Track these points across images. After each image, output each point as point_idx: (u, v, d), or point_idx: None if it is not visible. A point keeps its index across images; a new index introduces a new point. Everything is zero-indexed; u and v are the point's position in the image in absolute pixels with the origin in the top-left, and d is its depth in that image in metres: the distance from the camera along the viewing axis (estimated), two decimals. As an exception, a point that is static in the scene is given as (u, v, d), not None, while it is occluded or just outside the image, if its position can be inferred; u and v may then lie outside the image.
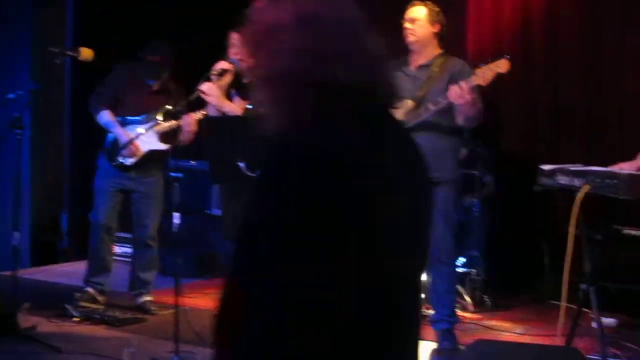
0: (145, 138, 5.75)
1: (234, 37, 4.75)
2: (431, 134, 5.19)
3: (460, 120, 5.17)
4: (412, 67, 5.39)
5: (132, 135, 5.78)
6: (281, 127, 1.76)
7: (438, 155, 5.21)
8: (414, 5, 5.36)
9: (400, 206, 1.80)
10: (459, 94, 4.90)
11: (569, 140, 7.13)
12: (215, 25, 7.90)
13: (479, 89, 5.08)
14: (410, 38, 5.30)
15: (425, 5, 5.34)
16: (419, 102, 5.20)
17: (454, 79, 5.18)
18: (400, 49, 6.35)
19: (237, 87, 4.84)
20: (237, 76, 4.79)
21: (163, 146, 5.83)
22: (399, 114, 5.19)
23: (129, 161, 5.89)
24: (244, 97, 4.81)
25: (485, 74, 4.89)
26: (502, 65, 4.86)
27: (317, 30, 1.76)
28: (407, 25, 5.29)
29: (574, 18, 7.07)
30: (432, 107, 5.07)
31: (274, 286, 1.72)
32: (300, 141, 1.72)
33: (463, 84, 4.89)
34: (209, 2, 8.36)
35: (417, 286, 1.96)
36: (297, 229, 1.70)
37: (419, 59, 5.38)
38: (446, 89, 5.12)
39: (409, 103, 5.21)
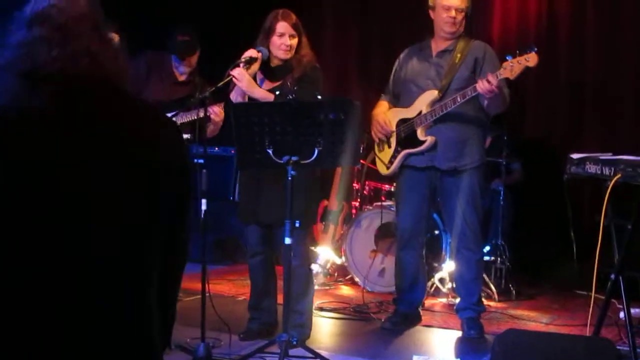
0: None
1: (285, 26, 4.77)
2: (457, 123, 5.18)
3: (487, 109, 5.16)
4: (433, 52, 5.33)
5: None
6: None
7: (464, 144, 5.20)
8: None
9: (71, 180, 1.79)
10: (487, 88, 4.85)
11: (594, 129, 7.10)
12: (233, 17, 8.01)
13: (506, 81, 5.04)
14: (454, 28, 5.22)
15: None
16: (445, 91, 5.15)
17: (479, 65, 5.13)
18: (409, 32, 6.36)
19: (263, 70, 4.83)
20: (266, 63, 4.78)
21: (184, 135, 5.80)
22: (426, 103, 5.16)
23: None
24: (272, 80, 4.81)
25: (513, 67, 4.82)
26: (531, 59, 4.79)
27: None
28: (453, 14, 5.18)
29: (599, 5, 7.02)
30: (459, 99, 5.02)
31: None
32: None
33: (491, 78, 4.84)
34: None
35: (128, 270, 1.86)
36: None
37: (440, 45, 5.31)
38: (471, 75, 5.08)
39: (434, 93, 5.17)
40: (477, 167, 5.26)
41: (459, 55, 5.21)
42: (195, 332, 4.53)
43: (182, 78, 6.00)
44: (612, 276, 4.43)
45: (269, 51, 4.76)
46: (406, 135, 5.28)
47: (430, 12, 5.31)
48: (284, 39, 4.75)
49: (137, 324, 1.88)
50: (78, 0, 1.97)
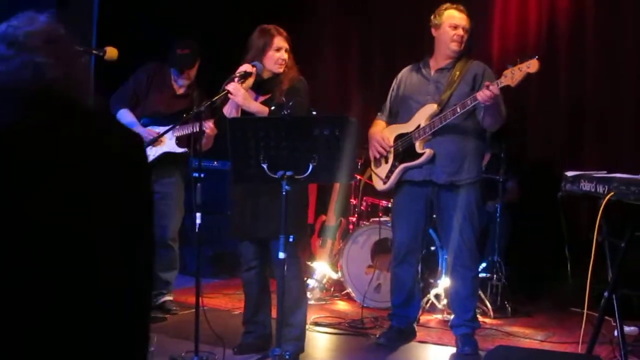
0: (163, 139, 5.77)
1: (282, 41, 4.84)
2: (456, 137, 5.19)
3: (485, 122, 5.15)
4: (432, 70, 5.35)
5: (154, 131, 5.80)
6: None
7: (462, 158, 5.21)
8: (461, 11, 5.29)
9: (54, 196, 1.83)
10: (488, 95, 4.87)
11: (592, 146, 7.11)
12: (233, 29, 8.04)
13: (504, 92, 5.06)
14: (460, 47, 5.25)
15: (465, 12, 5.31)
16: (443, 106, 5.17)
17: (478, 82, 5.16)
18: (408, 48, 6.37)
19: (258, 88, 4.86)
20: (260, 78, 4.82)
21: (179, 150, 5.84)
22: (425, 117, 5.18)
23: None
24: (260, 93, 4.86)
25: (514, 75, 4.84)
26: (532, 66, 4.80)
27: None
28: (460, 32, 5.23)
29: (599, 22, 7.04)
30: (459, 110, 5.04)
31: None
32: None
33: (492, 86, 4.86)
34: (230, 5, 8.40)
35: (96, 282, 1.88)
36: None
37: (440, 63, 5.34)
38: (470, 92, 5.10)
39: (434, 107, 5.19)
40: (474, 182, 5.27)
41: (458, 72, 5.24)
42: (190, 346, 4.54)
43: (180, 91, 6.05)
44: (606, 294, 4.44)
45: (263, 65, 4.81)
46: (404, 149, 5.29)
47: (433, 30, 5.33)
48: (281, 53, 4.81)
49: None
50: (35, 18, 2.07)
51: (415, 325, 5.61)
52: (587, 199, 4.63)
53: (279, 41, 4.82)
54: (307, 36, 4.99)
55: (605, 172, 4.59)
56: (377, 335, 5.51)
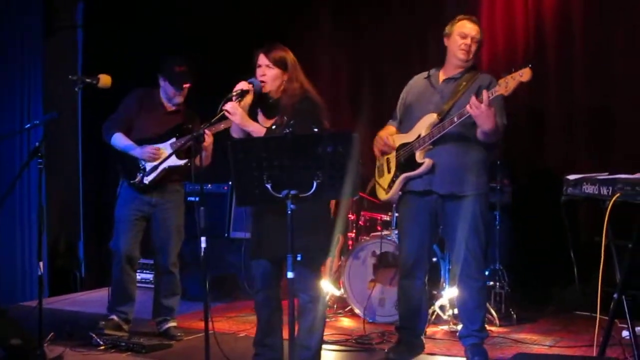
0: (163, 155, 5.77)
1: (261, 58, 4.75)
2: (457, 147, 5.17)
3: (478, 134, 5.12)
4: (440, 80, 5.35)
5: (152, 147, 5.82)
6: None
7: (463, 169, 5.18)
8: (473, 22, 5.28)
9: None
10: (475, 104, 4.86)
11: (585, 148, 7.11)
12: (224, 48, 8.05)
13: (502, 100, 5.06)
14: (468, 56, 5.24)
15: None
16: (444, 116, 5.16)
17: (480, 92, 5.14)
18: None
19: (262, 106, 4.82)
20: (264, 95, 4.76)
21: (180, 162, 5.84)
22: (425, 127, 5.16)
23: (148, 179, 5.87)
24: (269, 117, 4.79)
25: (507, 83, 4.83)
26: (524, 74, 4.79)
27: None
28: (468, 42, 5.21)
29: (586, 24, 7.06)
30: (456, 119, 5.03)
31: None
32: None
33: (484, 94, 4.85)
34: (217, 25, 8.40)
35: None
36: None
37: (449, 72, 5.33)
38: None
39: (433, 116, 5.18)
40: (480, 193, 5.22)
41: (464, 83, 5.21)
42: (199, 371, 4.51)
43: (171, 108, 6.05)
44: (615, 296, 4.43)
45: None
46: (405, 160, 5.28)
47: (445, 39, 5.32)
48: (260, 70, 4.74)
49: None
50: None
51: (423, 338, 5.57)
52: (591, 201, 4.63)
53: (259, 59, 4.77)
54: (297, 52, 4.95)
55: (606, 173, 4.59)
56: (386, 350, 5.48)
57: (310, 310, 4.67)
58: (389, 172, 5.41)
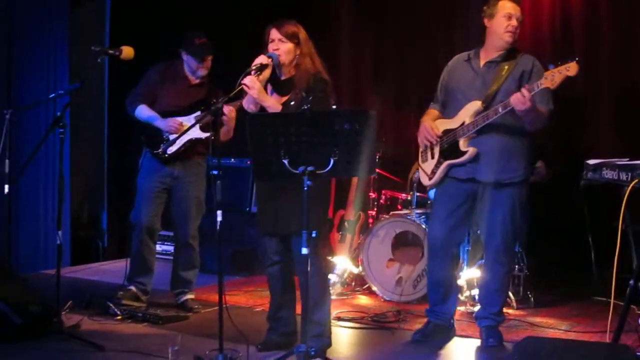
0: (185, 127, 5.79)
1: (274, 33, 4.75)
2: (501, 135, 5.11)
3: (525, 122, 5.06)
4: (481, 63, 5.26)
5: (176, 120, 5.86)
6: None
7: (508, 157, 5.13)
8: (514, 1, 5.18)
9: None
10: (520, 100, 4.80)
11: (610, 133, 7.06)
12: (247, 22, 8.04)
13: (549, 92, 4.97)
14: (514, 38, 5.15)
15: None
16: (488, 103, 5.09)
17: (525, 79, 5.07)
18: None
19: (273, 83, 4.82)
20: (274, 72, 4.76)
21: (204, 135, 5.86)
22: (469, 115, 5.11)
23: (171, 149, 5.90)
24: (281, 93, 4.79)
25: (554, 77, 4.74)
26: (571, 69, 4.70)
27: None
28: (515, 22, 5.13)
29: (614, 13, 6.99)
30: (500, 110, 4.96)
31: None
32: None
33: (525, 91, 4.80)
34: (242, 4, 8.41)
35: None
36: None
37: (490, 54, 5.24)
38: (517, 89, 4.96)
39: (478, 104, 5.12)
40: (521, 181, 5.18)
41: (506, 67, 5.13)
42: (214, 344, 4.53)
43: (195, 81, 6.07)
44: (631, 282, 4.41)
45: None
46: (449, 146, 5.22)
47: (486, 20, 5.20)
48: (273, 44, 4.75)
49: None
50: None
51: (453, 321, 5.51)
52: (610, 186, 4.61)
53: (270, 33, 4.78)
54: (318, 31, 4.93)
55: (627, 159, 4.56)
56: (414, 332, 5.45)
57: (315, 284, 4.66)
58: (432, 157, 5.34)
